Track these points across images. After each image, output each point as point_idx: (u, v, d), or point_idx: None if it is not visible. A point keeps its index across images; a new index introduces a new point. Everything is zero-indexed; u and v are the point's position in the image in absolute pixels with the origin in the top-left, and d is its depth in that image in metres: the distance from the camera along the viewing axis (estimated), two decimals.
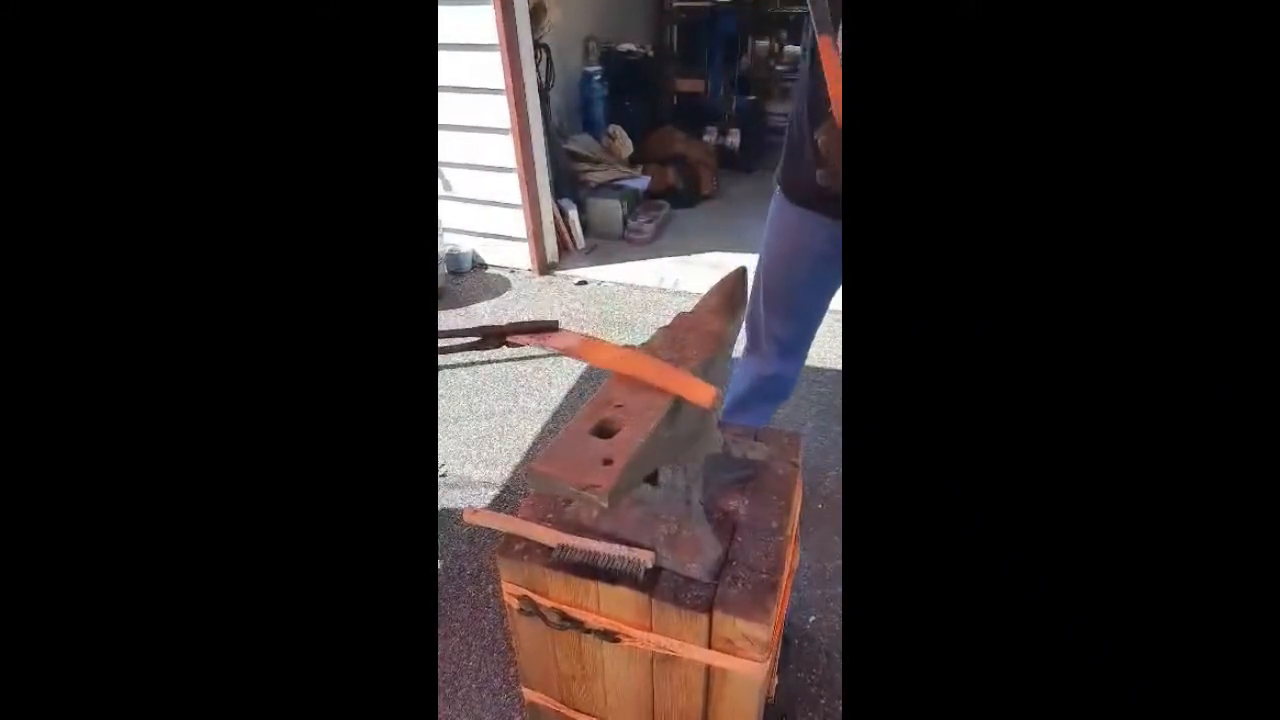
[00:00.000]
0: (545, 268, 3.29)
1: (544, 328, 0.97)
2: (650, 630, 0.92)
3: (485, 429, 2.24)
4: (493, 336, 0.96)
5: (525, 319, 1.01)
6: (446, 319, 2.93)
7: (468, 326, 0.99)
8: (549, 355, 2.51)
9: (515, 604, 0.99)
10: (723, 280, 1.13)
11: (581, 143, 3.79)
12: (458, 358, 2.59)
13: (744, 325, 1.58)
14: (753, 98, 4.55)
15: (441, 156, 3.11)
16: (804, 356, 1.60)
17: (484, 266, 3.37)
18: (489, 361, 2.58)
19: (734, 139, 4.39)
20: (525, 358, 2.56)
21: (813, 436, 2.10)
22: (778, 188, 1.41)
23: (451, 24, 2.74)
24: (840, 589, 1.61)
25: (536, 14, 3.08)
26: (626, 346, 0.96)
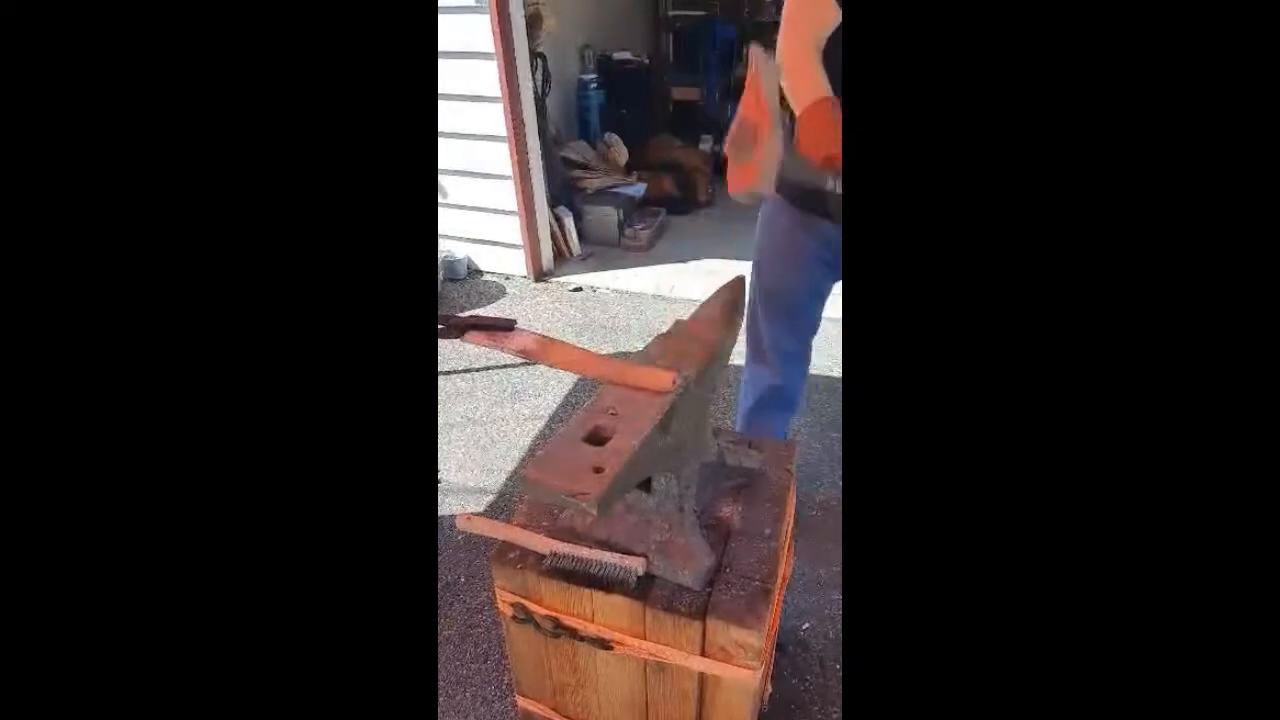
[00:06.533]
0: (541, 274, 3.29)
1: (501, 325, 0.94)
2: (644, 638, 0.92)
3: (481, 435, 2.24)
4: (453, 328, 0.95)
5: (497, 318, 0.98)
6: None
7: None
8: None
9: (509, 611, 0.99)
10: (720, 289, 1.13)
11: (577, 150, 3.80)
12: (455, 364, 2.59)
13: (745, 336, 1.58)
14: None
15: (438, 164, 3.12)
16: (807, 362, 1.59)
17: (479, 273, 3.37)
18: (486, 368, 2.58)
19: None
20: (522, 364, 2.56)
21: (807, 444, 2.10)
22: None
23: (449, 32, 2.75)
24: (834, 596, 1.61)
25: (533, 22, 3.09)
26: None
